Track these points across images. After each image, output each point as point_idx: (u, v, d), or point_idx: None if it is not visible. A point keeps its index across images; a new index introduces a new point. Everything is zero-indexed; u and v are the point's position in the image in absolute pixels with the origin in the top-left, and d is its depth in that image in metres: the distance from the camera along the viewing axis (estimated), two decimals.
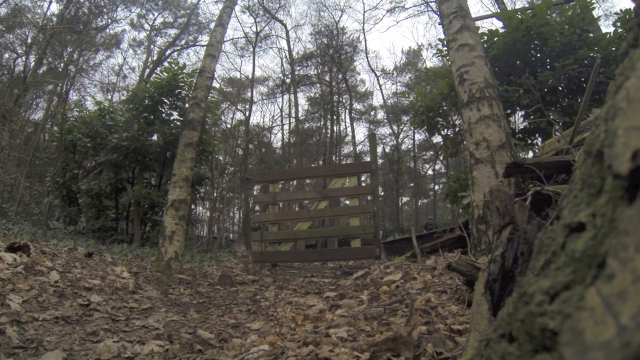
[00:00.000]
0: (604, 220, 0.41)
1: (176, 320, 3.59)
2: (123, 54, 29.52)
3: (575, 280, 0.42)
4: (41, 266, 4.28)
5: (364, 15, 34.34)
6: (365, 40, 37.22)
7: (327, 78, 30.19)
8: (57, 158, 12.52)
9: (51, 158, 13.49)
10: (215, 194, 23.64)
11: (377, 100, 36.71)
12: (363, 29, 35.01)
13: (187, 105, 9.23)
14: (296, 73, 28.74)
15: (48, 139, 17.36)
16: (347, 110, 31.45)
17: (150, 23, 28.33)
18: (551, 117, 6.63)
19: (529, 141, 7.82)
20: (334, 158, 29.55)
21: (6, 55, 19.90)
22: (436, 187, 32.94)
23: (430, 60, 32.26)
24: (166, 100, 11.22)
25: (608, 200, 0.42)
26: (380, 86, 32.45)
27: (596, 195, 0.45)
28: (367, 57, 30.29)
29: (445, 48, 7.59)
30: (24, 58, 18.44)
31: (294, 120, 28.63)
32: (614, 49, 7.13)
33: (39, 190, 16.06)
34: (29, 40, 18.67)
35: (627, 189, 0.39)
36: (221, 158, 26.92)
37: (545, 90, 7.29)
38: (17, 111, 17.83)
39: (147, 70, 26.11)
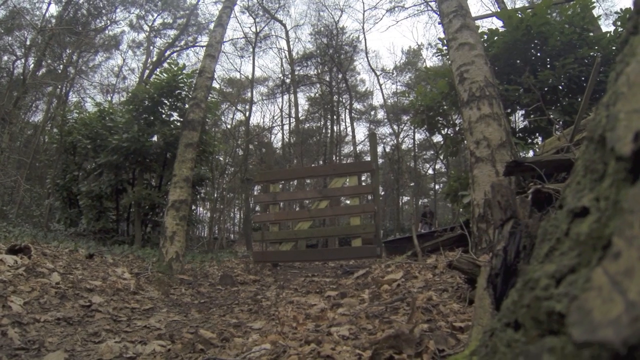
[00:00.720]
0: (607, 203, 0.42)
1: (178, 321, 3.60)
2: (122, 55, 29.55)
3: (580, 263, 0.42)
4: (42, 268, 4.28)
5: (363, 14, 34.35)
6: (365, 40, 37.19)
7: (327, 78, 30.19)
8: (57, 160, 12.53)
9: (51, 160, 13.51)
10: (215, 195, 23.67)
11: (377, 100, 36.72)
12: (363, 28, 35.13)
13: (187, 105, 9.24)
14: (296, 73, 28.77)
15: (48, 141, 17.37)
16: (347, 110, 31.45)
17: (150, 24, 28.37)
18: (551, 116, 6.63)
19: (529, 140, 7.81)
20: (334, 158, 29.54)
21: (5, 58, 19.94)
22: (437, 187, 32.94)
23: (430, 60, 32.23)
24: (166, 101, 11.22)
25: (611, 183, 0.42)
26: (380, 86, 32.49)
27: (599, 180, 0.45)
28: (367, 57, 30.33)
29: (445, 47, 7.60)
30: (23, 60, 18.46)
31: (294, 120, 28.66)
32: (614, 48, 7.13)
33: (39, 193, 16.07)
34: (28, 43, 18.68)
35: (630, 171, 0.39)
36: (221, 158, 26.96)
37: (546, 89, 7.29)
38: (16, 113, 17.83)
39: (147, 72, 26.12)
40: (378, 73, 31.54)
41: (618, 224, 0.39)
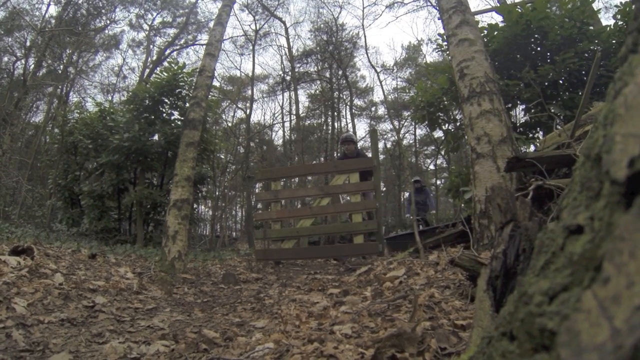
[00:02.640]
0: (601, 224, 0.43)
1: (181, 320, 3.61)
2: (122, 54, 29.58)
3: (573, 282, 0.43)
4: (45, 269, 4.30)
5: (363, 11, 34.31)
6: (365, 37, 37.04)
7: (327, 75, 30.15)
8: (59, 160, 12.54)
9: (52, 160, 13.52)
10: (217, 193, 23.68)
11: (377, 96, 36.67)
12: (362, 25, 35.11)
13: (187, 104, 9.24)
14: (296, 70, 28.72)
15: (49, 142, 17.39)
16: (347, 107, 31.44)
17: (149, 23, 28.35)
18: (552, 111, 6.63)
19: (530, 135, 7.81)
20: (335, 154, 29.53)
21: (5, 59, 19.98)
22: (438, 182, 32.91)
23: (430, 55, 32.12)
24: (167, 100, 11.22)
25: (605, 204, 0.43)
26: (380, 82, 32.43)
27: (594, 198, 0.46)
28: (367, 54, 30.35)
29: (445, 43, 7.58)
30: (23, 61, 18.48)
31: (294, 117, 28.63)
32: (614, 41, 7.10)
33: (41, 193, 16.10)
34: (28, 43, 18.70)
35: (624, 195, 0.40)
36: (223, 157, 26.98)
37: (546, 84, 7.28)
38: (17, 114, 17.87)
39: (147, 71, 26.12)
40: (378, 69, 31.48)
41: (609, 249, 0.39)
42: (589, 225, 0.45)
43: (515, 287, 0.59)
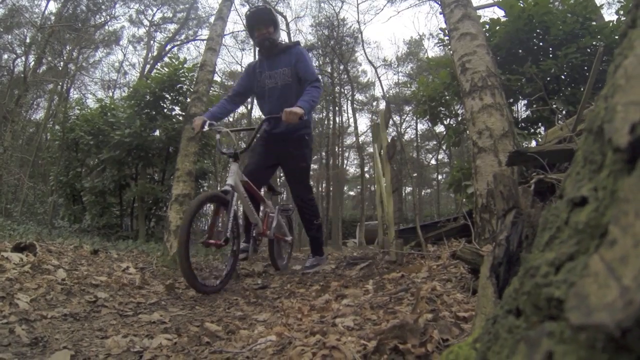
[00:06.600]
0: (605, 192, 0.44)
1: (183, 314, 3.62)
2: (123, 50, 29.84)
3: (579, 250, 0.44)
4: (48, 265, 4.31)
5: (357, 6, 34.27)
6: (361, 33, 37.02)
7: (329, 69, 30.13)
8: (60, 157, 12.55)
9: (54, 157, 13.53)
10: (218, 188, 23.72)
11: (379, 91, 36.69)
12: (358, 21, 35.08)
13: (188, 99, 9.22)
14: None
15: (50, 138, 17.40)
16: (349, 101, 31.45)
17: (149, 19, 28.33)
18: (554, 105, 6.61)
19: (532, 130, 7.79)
20: (336, 149, 29.54)
21: (5, 56, 20.00)
22: (439, 177, 32.95)
23: (432, 50, 32.19)
24: (167, 96, 11.19)
25: (609, 173, 0.44)
26: (379, 77, 32.46)
27: (597, 170, 0.47)
28: (364, 49, 30.26)
29: (447, 37, 7.56)
30: (23, 58, 18.49)
31: None
32: (616, 37, 7.07)
33: (43, 190, 16.13)
34: (28, 40, 18.70)
35: (626, 161, 0.41)
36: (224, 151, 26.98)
37: (548, 78, 7.25)
38: (18, 112, 17.88)
39: (148, 66, 26.15)
40: (378, 65, 31.49)
41: (614, 213, 0.41)
42: (593, 196, 0.46)
43: (520, 267, 0.60)
